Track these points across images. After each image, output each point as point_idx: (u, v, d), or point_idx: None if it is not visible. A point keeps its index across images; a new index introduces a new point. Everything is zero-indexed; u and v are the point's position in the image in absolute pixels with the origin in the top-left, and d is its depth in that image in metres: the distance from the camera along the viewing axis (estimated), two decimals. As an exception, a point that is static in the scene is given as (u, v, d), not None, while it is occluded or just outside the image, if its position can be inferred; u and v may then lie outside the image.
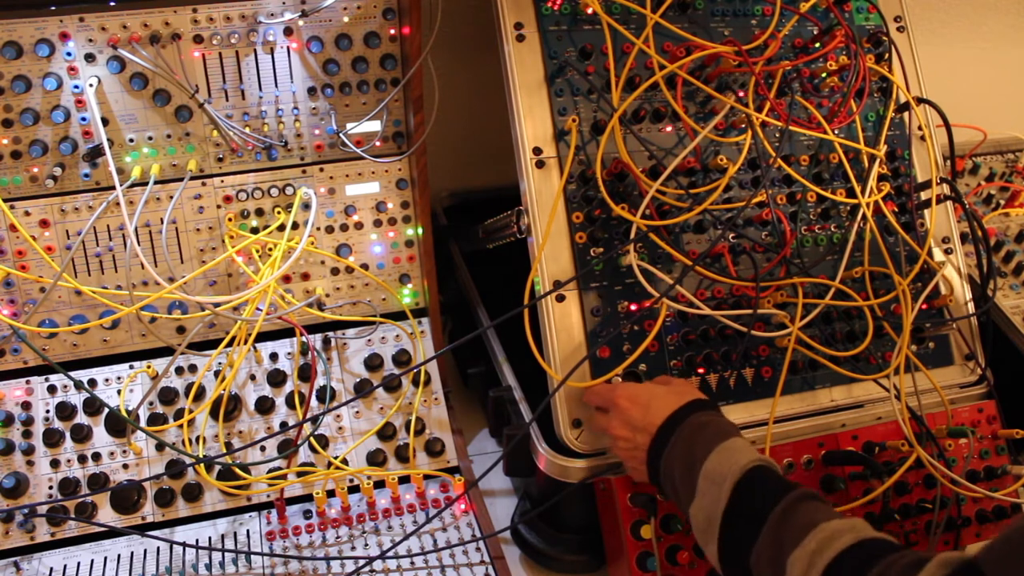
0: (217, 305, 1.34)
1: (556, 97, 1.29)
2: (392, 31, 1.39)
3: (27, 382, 1.35)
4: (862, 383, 1.35)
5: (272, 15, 1.31)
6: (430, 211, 1.48)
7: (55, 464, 1.30)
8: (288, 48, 1.35)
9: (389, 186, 1.47)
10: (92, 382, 1.36)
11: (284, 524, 1.29)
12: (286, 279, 1.45)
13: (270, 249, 1.40)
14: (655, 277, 1.26)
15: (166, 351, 1.40)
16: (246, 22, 1.31)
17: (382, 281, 1.48)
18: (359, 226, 1.47)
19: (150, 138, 1.35)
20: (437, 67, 1.42)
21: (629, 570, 1.21)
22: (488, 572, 1.23)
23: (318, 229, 1.45)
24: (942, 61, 1.79)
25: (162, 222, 1.37)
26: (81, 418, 1.34)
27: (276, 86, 1.37)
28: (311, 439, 1.36)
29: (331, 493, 1.33)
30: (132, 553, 1.25)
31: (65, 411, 1.32)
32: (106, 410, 1.33)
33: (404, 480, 1.36)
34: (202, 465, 1.31)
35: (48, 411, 1.33)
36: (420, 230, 1.49)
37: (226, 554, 1.24)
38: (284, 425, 1.38)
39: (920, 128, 1.44)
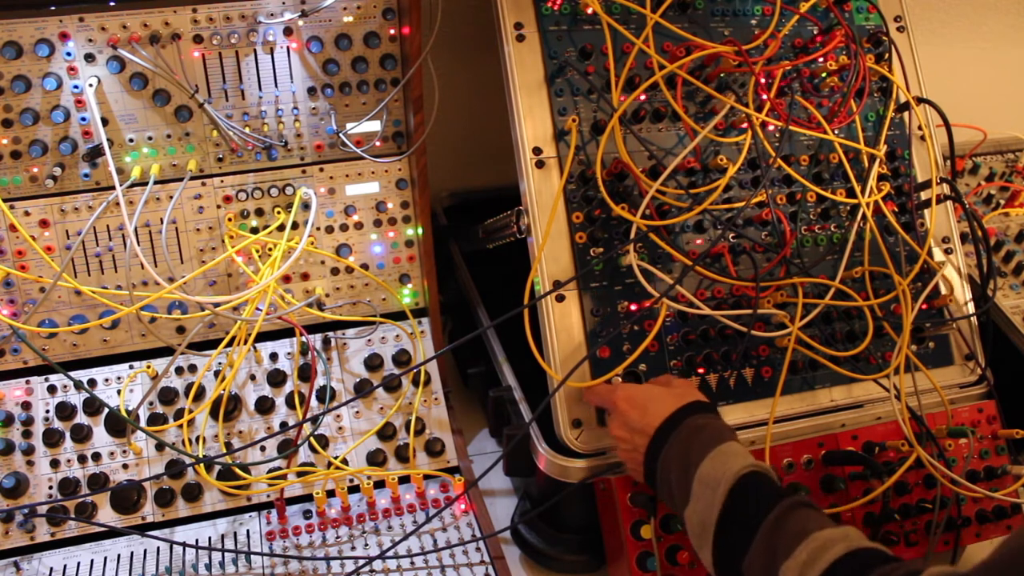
0: (217, 305, 1.34)
1: (556, 97, 1.29)
2: (392, 31, 1.39)
3: (27, 382, 1.35)
4: (862, 383, 1.34)
5: (272, 15, 1.31)
6: (430, 211, 1.48)
7: (55, 464, 1.30)
8: (288, 48, 1.35)
9: (389, 186, 1.47)
10: (92, 382, 1.36)
11: (284, 524, 1.29)
12: (286, 279, 1.45)
13: (270, 249, 1.40)
14: (655, 277, 1.26)
15: (166, 351, 1.40)
16: (246, 22, 1.31)
17: (382, 281, 1.48)
18: (359, 226, 1.47)
19: (150, 138, 1.35)
20: (437, 67, 1.42)
21: (629, 570, 1.21)
22: (488, 572, 1.23)
23: (318, 229, 1.45)
24: (942, 61, 1.79)
25: (162, 222, 1.36)
26: (81, 418, 1.34)
27: (276, 86, 1.37)
28: (311, 439, 1.36)
29: (331, 493, 1.33)
30: (132, 553, 1.25)
31: (65, 411, 1.32)
32: (106, 410, 1.33)
33: (404, 480, 1.36)
34: (202, 465, 1.31)
35: (48, 411, 1.33)
36: (420, 230, 1.49)
37: (226, 554, 1.24)
38: (284, 425, 1.38)
39: (920, 128, 1.44)
